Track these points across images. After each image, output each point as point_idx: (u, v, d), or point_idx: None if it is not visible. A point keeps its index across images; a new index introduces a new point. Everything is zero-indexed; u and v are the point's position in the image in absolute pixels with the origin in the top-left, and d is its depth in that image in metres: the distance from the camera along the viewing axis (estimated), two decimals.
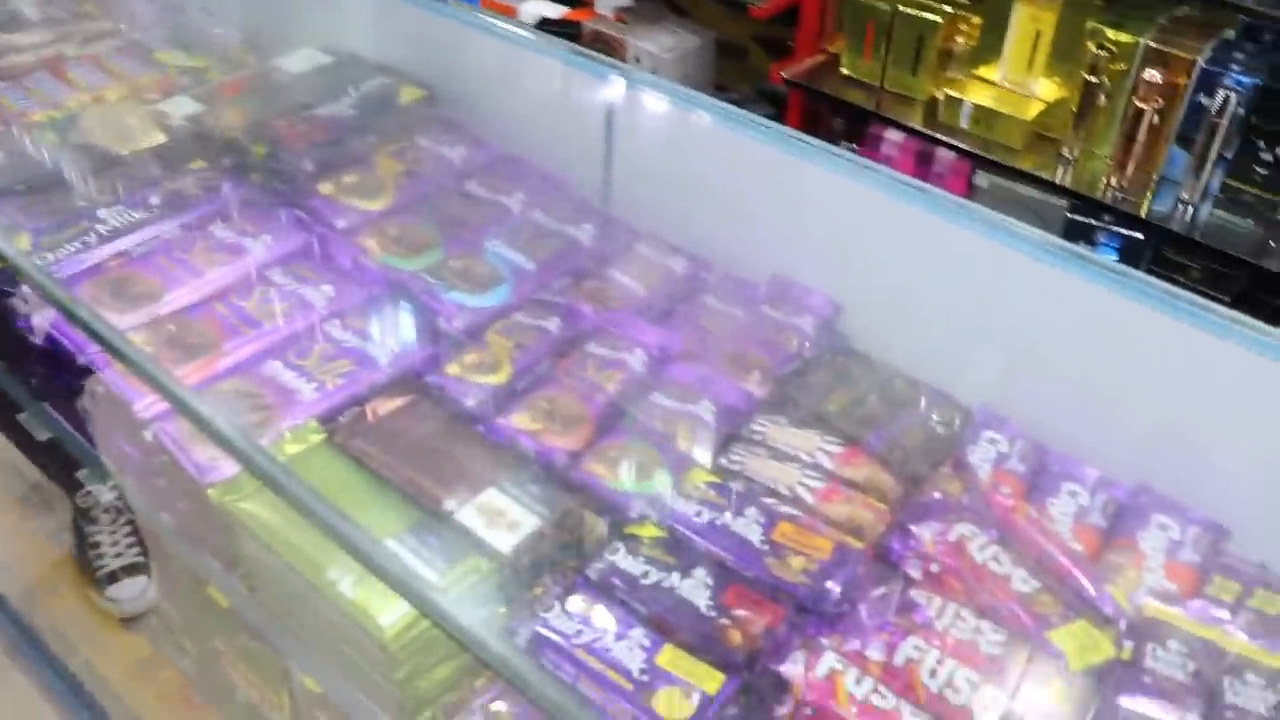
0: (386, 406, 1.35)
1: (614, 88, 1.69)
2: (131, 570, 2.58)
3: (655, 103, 1.67)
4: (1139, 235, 2.39)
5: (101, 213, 1.63)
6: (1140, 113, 2.35)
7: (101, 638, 2.57)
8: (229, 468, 1.30)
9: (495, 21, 1.88)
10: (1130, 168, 2.41)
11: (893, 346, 1.55)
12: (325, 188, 1.67)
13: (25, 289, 1.55)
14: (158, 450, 1.36)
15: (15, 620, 2.69)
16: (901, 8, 2.63)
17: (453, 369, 1.40)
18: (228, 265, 1.55)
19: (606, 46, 2.94)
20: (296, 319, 1.46)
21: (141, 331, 1.43)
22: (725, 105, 1.62)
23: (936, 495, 1.29)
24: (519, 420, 1.34)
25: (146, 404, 1.37)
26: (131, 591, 2.56)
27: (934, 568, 1.20)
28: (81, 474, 2.38)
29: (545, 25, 3.07)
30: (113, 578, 2.57)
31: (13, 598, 2.75)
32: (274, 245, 1.58)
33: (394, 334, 1.45)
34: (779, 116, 2.89)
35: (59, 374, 1.51)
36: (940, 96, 2.61)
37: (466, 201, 1.69)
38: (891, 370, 1.52)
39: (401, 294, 1.51)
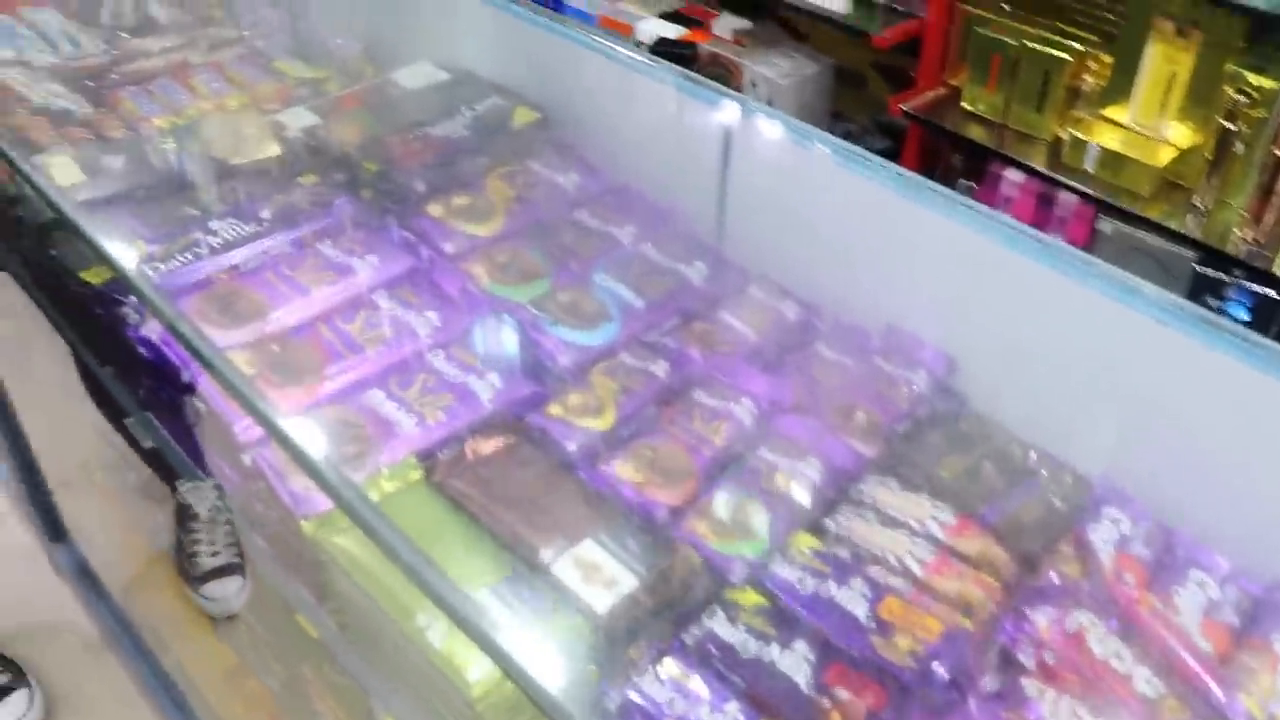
0: (486, 446, 1.32)
1: (730, 119, 1.64)
2: (227, 571, 2.60)
3: (771, 137, 1.62)
4: (1273, 293, 2.28)
5: (214, 224, 1.62)
6: None
7: (194, 638, 2.60)
8: (325, 500, 1.28)
9: (609, 44, 1.84)
10: (1267, 221, 2.30)
11: (1009, 407, 1.48)
12: (435, 209, 1.65)
13: (135, 299, 1.56)
14: (255, 475, 1.35)
15: (116, 612, 2.74)
16: (1029, 43, 2.54)
17: (555, 410, 1.36)
18: (334, 285, 1.53)
19: (723, 70, 2.90)
20: (400, 347, 1.44)
21: (245, 350, 1.42)
22: (842, 143, 1.56)
23: (1054, 577, 1.22)
24: (621, 469, 1.30)
25: (246, 426, 1.36)
26: (225, 591, 2.58)
27: (1049, 658, 1.13)
28: (180, 483, 2.41)
29: (662, 45, 3.03)
30: (209, 576, 2.60)
31: (115, 589, 2.80)
32: (381, 267, 1.56)
33: (497, 369, 1.42)
34: (896, 150, 2.82)
35: (164, 387, 1.50)
36: (1065, 137, 2.52)
37: (577, 231, 1.66)
38: (1007, 434, 1.45)
39: (507, 326, 1.48)
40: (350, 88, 2.01)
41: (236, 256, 1.57)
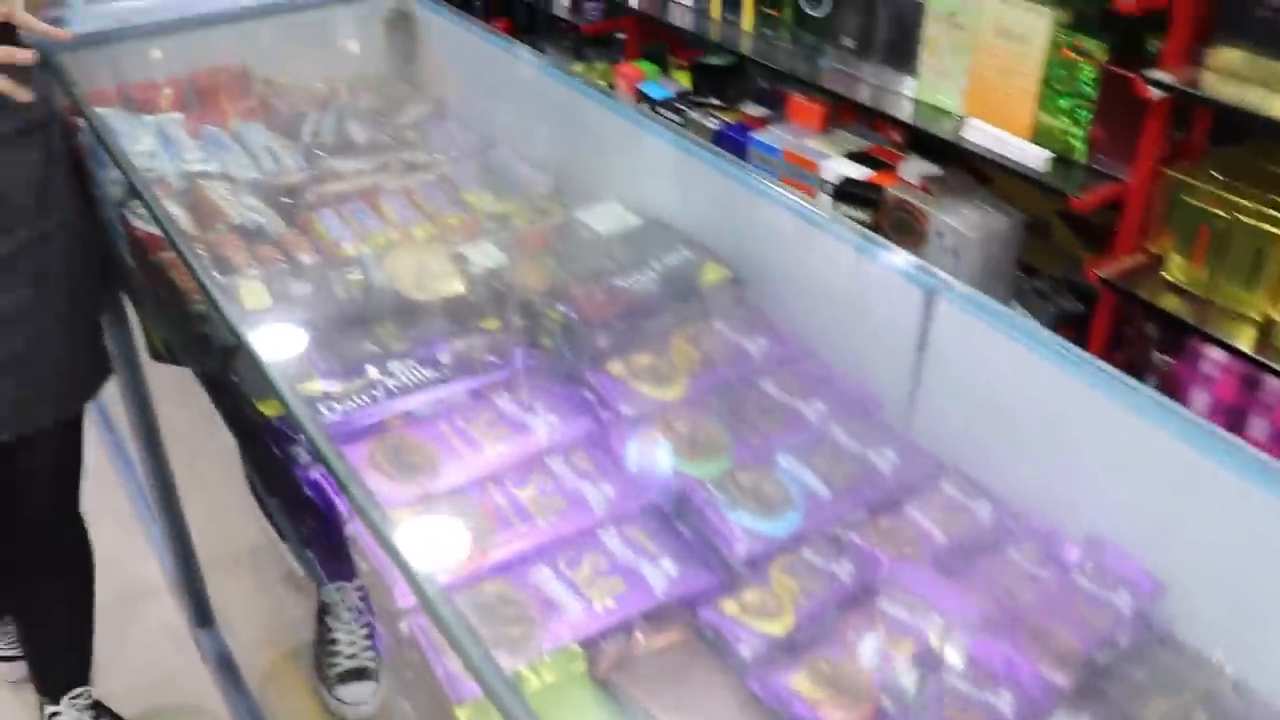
0: (655, 641, 1.25)
1: (925, 291, 1.56)
2: (363, 675, 2.57)
3: (966, 317, 1.54)
4: None
5: (393, 364, 1.61)
6: None
7: None
8: None
9: (798, 199, 1.78)
10: None
11: (1223, 644, 1.35)
12: (616, 367, 1.61)
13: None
14: (411, 644, 1.30)
15: (251, 705, 2.74)
16: (1241, 216, 2.40)
17: (730, 607, 1.28)
18: (508, 443, 1.49)
19: (908, 215, 2.83)
20: (572, 519, 1.39)
21: (412, 508, 1.38)
22: (1041, 330, 1.48)
23: None
24: (797, 683, 1.21)
25: (405, 591, 1.31)
26: (359, 695, 2.55)
27: None
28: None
29: (847, 186, 2.98)
30: (343, 678, 2.57)
31: (252, 679, 2.80)
32: (558, 427, 1.52)
33: (671, 553, 1.35)
34: (1088, 314, 2.70)
35: (328, 531, 1.47)
36: (1278, 318, 2.37)
37: (762, 403, 1.59)
38: (1221, 674, 1.32)
39: (684, 505, 1.41)
40: (537, 223, 2.00)
41: (411, 403, 1.55)
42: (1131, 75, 2.47)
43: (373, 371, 1.59)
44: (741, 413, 1.56)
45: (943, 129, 2.81)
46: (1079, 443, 1.45)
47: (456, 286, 1.78)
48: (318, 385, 1.55)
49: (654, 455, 1.47)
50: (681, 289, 1.76)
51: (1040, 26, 2.62)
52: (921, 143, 3.08)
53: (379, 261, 1.83)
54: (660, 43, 3.86)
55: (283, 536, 1.94)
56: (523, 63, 2.42)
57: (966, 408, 1.56)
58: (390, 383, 1.56)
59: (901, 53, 2.92)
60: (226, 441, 1.99)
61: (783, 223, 1.82)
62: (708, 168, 1.93)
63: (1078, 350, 1.43)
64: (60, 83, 2.10)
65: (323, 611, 2.70)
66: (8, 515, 2.29)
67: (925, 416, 1.60)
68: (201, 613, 3.05)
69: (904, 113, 2.90)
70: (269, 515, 2.46)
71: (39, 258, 2.01)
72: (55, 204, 2.04)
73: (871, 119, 3.24)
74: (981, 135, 2.71)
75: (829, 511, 1.43)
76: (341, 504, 1.43)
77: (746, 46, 3.21)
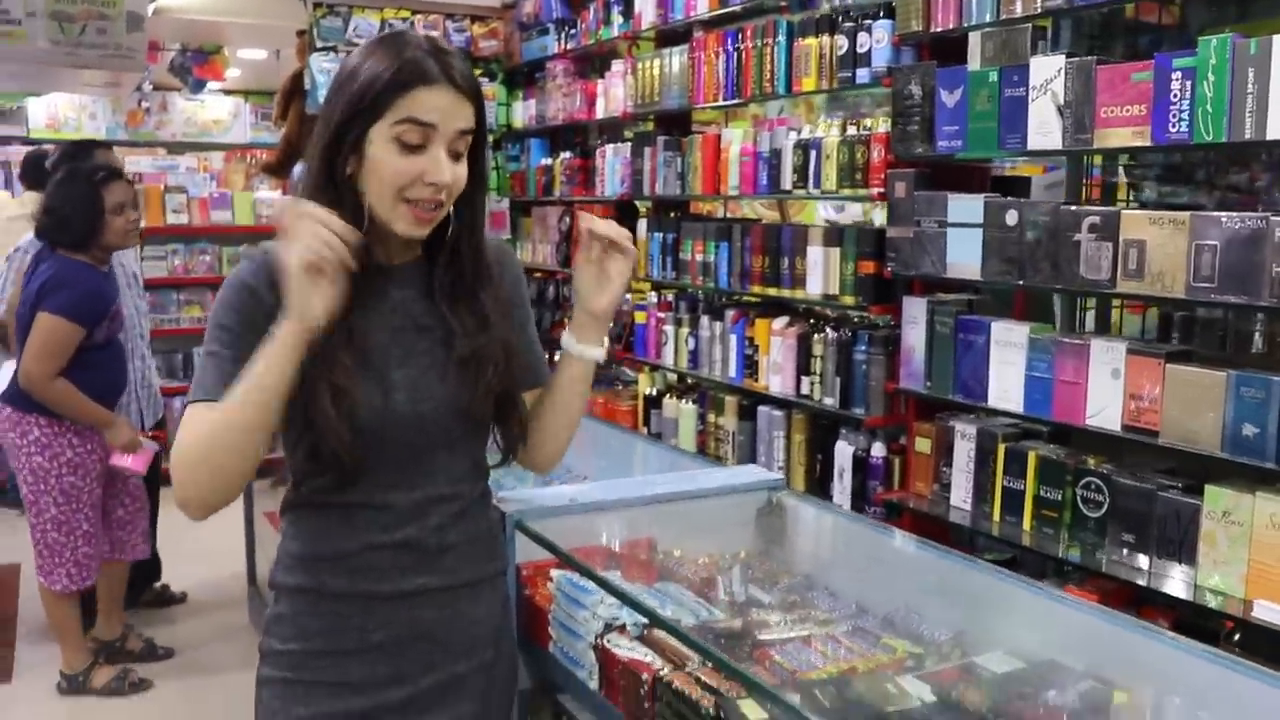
0: None
1: None
2: None
3: None
4: None
5: None
6: None
7: None
8: None
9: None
10: None
11: None
12: None
13: None
14: None
15: None
16: None
17: None
18: None
19: None
20: None
21: None
22: None
23: None
24: None
25: None
26: None
27: None
28: None
29: None
30: None
31: None
32: None
33: None
34: None
35: None
36: None
37: None
38: None
39: None
40: (944, 664, 2.42)
41: None
42: None
43: None
44: None
45: (1227, 610, 3.20)
46: None
47: (909, 701, 2.18)
48: None
49: None
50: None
51: None
52: (1192, 625, 3.46)
53: (840, 689, 2.25)
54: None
55: None
56: (884, 537, 2.97)
57: None
58: None
59: (1178, 544, 3.37)
60: None
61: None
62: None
63: None
64: (540, 543, 2.69)
65: None
66: None
67: None
68: None
69: (1184, 595, 3.31)
70: None
71: (488, 679, 2.40)
72: (505, 638, 2.48)
73: (1140, 605, 3.65)
74: (1271, 613, 3.09)
75: None
76: None
77: (1027, 542, 3.71)
